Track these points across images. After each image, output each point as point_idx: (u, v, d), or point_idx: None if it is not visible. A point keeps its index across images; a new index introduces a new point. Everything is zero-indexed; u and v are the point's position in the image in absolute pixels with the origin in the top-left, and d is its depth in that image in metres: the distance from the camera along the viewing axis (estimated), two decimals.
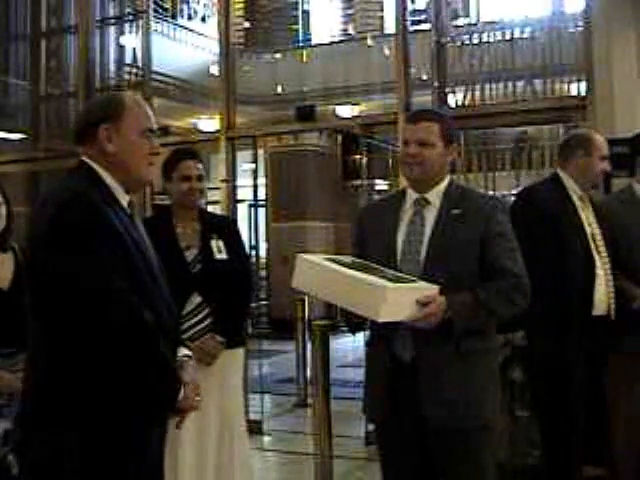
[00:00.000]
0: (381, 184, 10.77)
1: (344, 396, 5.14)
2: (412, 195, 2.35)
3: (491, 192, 5.00)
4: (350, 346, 7.63)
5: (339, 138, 11.56)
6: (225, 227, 3.20)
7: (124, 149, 1.83)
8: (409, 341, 2.20)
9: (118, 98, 1.88)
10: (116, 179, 1.84)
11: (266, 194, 11.28)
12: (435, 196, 2.32)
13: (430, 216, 2.30)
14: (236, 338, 3.08)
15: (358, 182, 10.31)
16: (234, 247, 3.14)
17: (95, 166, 1.82)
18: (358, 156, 9.57)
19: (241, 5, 11.90)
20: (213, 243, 3.06)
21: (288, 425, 5.59)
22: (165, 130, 9.40)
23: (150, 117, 1.89)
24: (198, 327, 2.96)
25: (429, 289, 2.09)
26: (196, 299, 2.97)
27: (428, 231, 2.27)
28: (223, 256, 3.06)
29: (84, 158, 1.85)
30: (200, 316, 2.97)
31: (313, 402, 3.89)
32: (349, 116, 10.16)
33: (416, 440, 2.26)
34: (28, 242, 1.80)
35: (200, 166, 3.10)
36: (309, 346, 4.84)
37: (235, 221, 3.51)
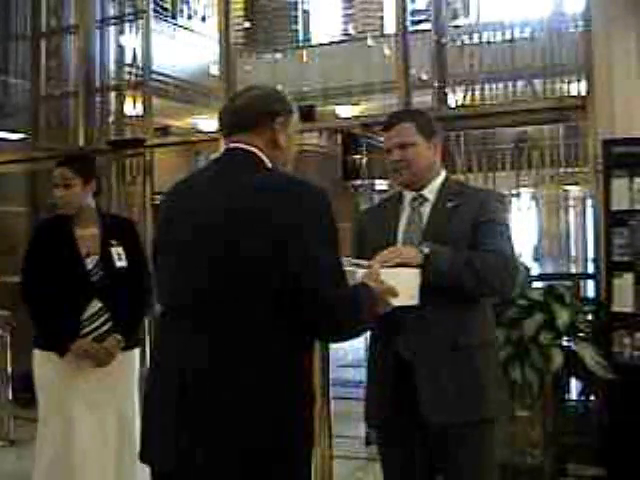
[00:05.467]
0: (381, 184, 10.75)
1: (344, 396, 5.13)
2: (409, 194, 2.35)
3: None
4: (350, 346, 7.62)
5: (339, 138, 11.55)
6: (124, 230, 3.22)
7: (288, 145, 1.85)
8: (411, 340, 2.20)
9: (285, 94, 1.89)
10: None
11: None
12: (431, 192, 2.32)
13: (425, 211, 2.31)
14: (131, 340, 3.13)
15: (358, 182, 10.31)
16: (133, 252, 3.16)
17: (264, 158, 1.79)
18: (358, 156, 9.55)
19: (241, 5, 11.90)
20: (113, 250, 3.08)
21: None
22: (165, 130, 9.39)
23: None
24: (97, 332, 3.01)
25: (412, 272, 2.06)
26: (96, 305, 3.01)
27: (424, 226, 2.28)
28: (123, 263, 3.09)
29: (246, 147, 1.79)
30: (101, 320, 3.02)
31: None
32: (349, 116, 10.16)
33: (418, 439, 2.26)
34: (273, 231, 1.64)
35: (67, 173, 3.04)
36: None
37: (134, 224, 3.53)
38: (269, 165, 1.79)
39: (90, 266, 3.03)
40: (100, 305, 3.02)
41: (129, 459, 3.03)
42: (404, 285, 1.95)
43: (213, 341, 1.68)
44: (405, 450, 2.29)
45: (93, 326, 3.01)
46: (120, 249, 3.10)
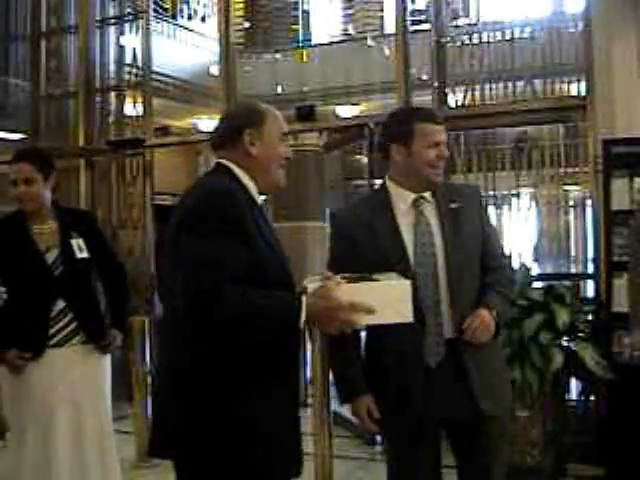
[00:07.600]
0: None
1: None
2: (409, 195, 2.29)
3: (491, 192, 5.01)
4: None
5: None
6: (84, 223, 3.14)
7: (266, 152, 1.97)
8: (438, 348, 2.22)
9: (257, 106, 2.03)
10: (253, 181, 1.97)
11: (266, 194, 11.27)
12: (427, 193, 2.33)
13: (430, 213, 2.29)
14: (123, 324, 3.24)
15: (358, 182, 10.32)
16: (97, 242, 3.11)
17: (233, 167, 1.95)
18: (358, 156, 9.56)
19: (241, 5, 11.89)
20: (73, 242, 3.00)
21: None
22: (165, 130, 9.41)
23: (283, 122, 2.04)
24: (64, 331, 2.95)
25: (396, 284, 1.84)
26: (60, 304, 2.94)
27: (436, 230, 2.26)
28: (84, 255, 3.01)
29: (222, 161, 1.97)
30: (65, 320, 2.95)
31: (313, 402, 3.89)
32: (349, 116, 10.16)
33: (429, 438, 2.29)
34: (174, 228, 1.87)
35: (29, 168, 2.96)
36: (309, 346, 4.84)
37: (93, 215, 3.47)
38: (239, 175, 1.94)
39: (50, 260, 2.94)
40: (63, 305, 2.94)
41: (110, 461, 3.04)
42: (385, 301, 1.75)
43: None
44: (424, 447, 2.29)
45: (59, 326, 2.93)
46: (80, 241, 3.01)
